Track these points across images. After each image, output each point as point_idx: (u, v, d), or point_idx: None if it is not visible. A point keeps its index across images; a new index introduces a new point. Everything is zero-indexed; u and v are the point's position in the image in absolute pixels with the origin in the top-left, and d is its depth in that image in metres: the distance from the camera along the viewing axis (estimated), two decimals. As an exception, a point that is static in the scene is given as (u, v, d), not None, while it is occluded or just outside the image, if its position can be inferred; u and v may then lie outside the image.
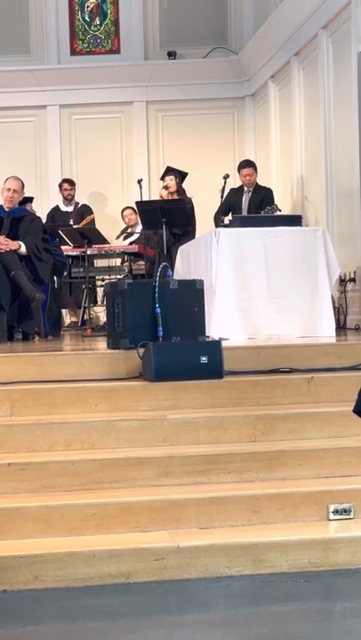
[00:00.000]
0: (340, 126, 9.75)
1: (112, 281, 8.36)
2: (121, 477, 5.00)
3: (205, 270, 7.74)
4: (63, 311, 11.48)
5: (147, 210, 9.91)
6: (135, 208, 10.98)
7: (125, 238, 11.88)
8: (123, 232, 12.02)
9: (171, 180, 10.46)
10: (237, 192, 10.84)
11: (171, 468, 5.04)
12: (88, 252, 10.41)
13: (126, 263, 11.02)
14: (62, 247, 10.08)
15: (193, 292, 6.52)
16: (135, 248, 10.80)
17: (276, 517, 4.83)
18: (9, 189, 8.75)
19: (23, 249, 8.52)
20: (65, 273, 10.33)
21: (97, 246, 10.58)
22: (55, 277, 9.69)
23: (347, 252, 9.26)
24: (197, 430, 5.35)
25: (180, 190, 10.49)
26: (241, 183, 10.91)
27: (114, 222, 12.61)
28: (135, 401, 5.66)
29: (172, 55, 13.21)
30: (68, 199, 12.60)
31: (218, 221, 10.51)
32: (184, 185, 10.57)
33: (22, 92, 13.08)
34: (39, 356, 6.16)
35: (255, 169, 10.92)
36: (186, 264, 8.79)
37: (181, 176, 10.59)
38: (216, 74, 13.12)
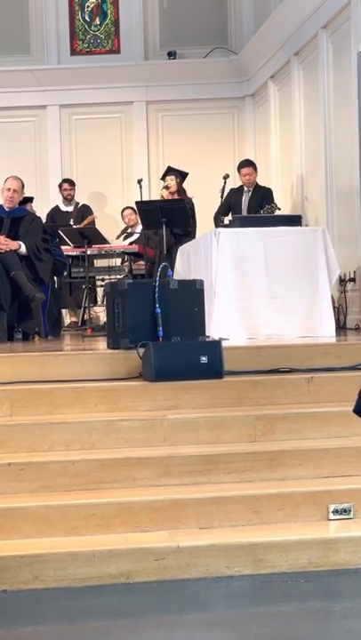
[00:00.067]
0: (340, 126, 9.75)
1: (112, 281, 8.36)
2: (121, 477, 5.00)
3: (205, 270, 7.74)
4: (63, 311, 11.48)
5: (147, 210, 9.90)
6: (135, 208, 10.97)
7: (125, 238, 11.87)
8: (123, 232, 12.02)
9: (171, 180, 10.46)
10: (237, 192, 10.83)
11: (171, 468, 5.04)
12: (88, 252, 10.41)
13: (126, 263, 11.02)
14: (62, 247, 10.08)
15: (193, 292, 6.52)
16: (135, 248, 10.80)
17: (276, 517, 4.83)
18: (9, 189, 8.75)
19: (23, 249, 8.52)
20: (65, 273, 10.32)
21: (97, 246, 10.58)
22: (55, 277, 9.68)
23: (347, 252, 9.26)
24: (197, 430, 5.35)
25: (181, 190, 10.49)
26: (241, 183, 10.91)
27: (114, 222, 12.61)
28: (135, 401, 5.66)
29: (172, 55, 13.21)
30: (68, 199, 12.60)
31: (218, 221, 10.50)
32: (184, 185, 10.57)
33: (22, 92, 13.08)
34: (39, 356, 6.16)
35: (255, 168, 10.92)
36: (186, 264, 8.79)
37: (182, 176, 10.59)
38: (216, 74, 13.11)
